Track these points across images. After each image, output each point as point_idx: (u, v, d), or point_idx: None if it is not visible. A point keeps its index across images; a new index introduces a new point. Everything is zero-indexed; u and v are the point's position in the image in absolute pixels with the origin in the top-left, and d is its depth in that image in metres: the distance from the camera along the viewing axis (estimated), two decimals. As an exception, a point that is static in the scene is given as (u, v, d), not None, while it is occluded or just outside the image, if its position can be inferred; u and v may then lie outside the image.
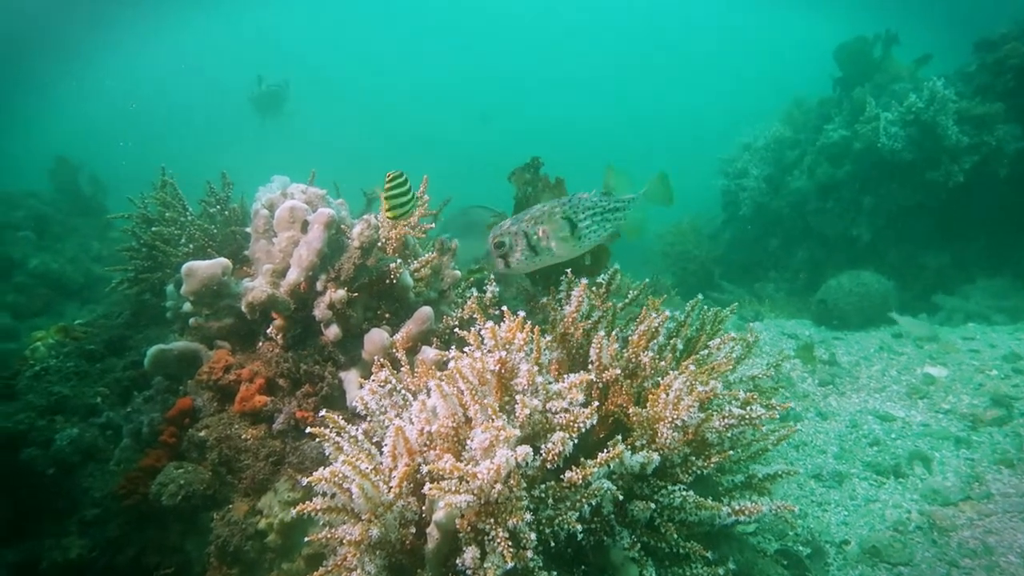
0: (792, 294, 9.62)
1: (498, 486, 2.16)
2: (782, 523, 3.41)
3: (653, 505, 2.53)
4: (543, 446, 2.29)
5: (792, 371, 5.09)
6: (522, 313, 2.60)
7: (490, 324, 2.48)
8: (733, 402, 2.72)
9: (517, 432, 2.21)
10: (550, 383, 2.51)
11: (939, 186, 8.36)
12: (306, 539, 2.57)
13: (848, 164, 9.40)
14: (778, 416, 2.62)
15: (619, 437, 2.57)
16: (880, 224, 9.10)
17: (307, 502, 2.22)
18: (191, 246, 4.29)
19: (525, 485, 2.24)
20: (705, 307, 3.13)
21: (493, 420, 2.24)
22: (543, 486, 2.33)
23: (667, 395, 2.60)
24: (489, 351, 2.51)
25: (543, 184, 4.08)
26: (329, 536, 2.27)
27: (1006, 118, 8.18)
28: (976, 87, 8.63)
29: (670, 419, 2.58)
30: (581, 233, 3.13)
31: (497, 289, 3.61)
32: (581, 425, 2.35)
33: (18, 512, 3.69)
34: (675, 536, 2.53)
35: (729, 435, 2.68)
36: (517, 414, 2.33)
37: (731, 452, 2.63)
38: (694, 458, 2.63)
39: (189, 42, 30.21)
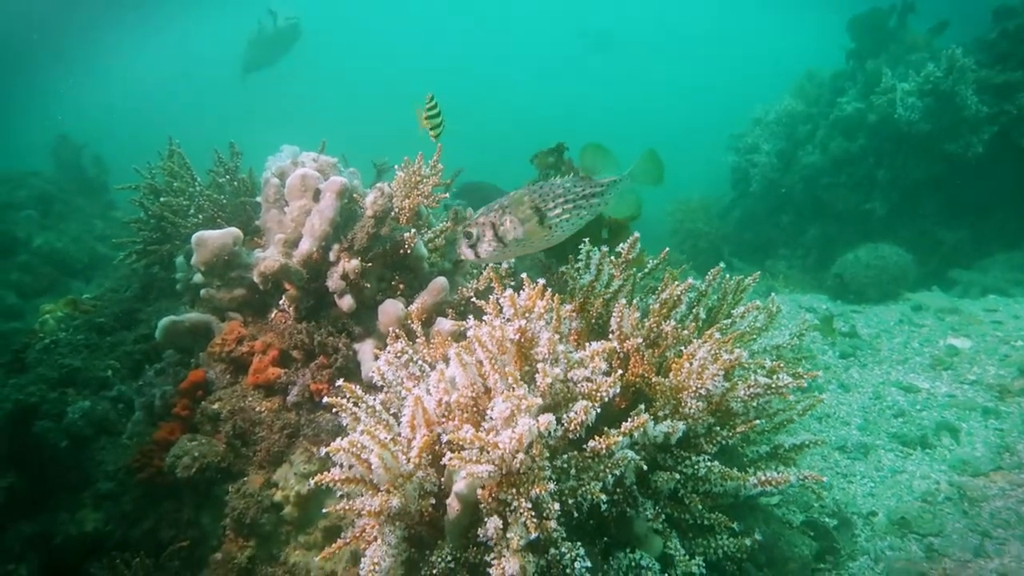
0: (805, 270, 9.49)
1: (520, 455, 2.10)
2: (807, 494, 3.36)
3: (677, 476, 2.47)
4: (565, 415, 2.24)
5: (812, 343, 5.01)
6: (542, 281, 2.53)
7: (509, 292, 2.42)
8: (759, 371, 2.66)
9: (539, 401, 2.15)
10: (571, 352, 2.45)
11: (957, 158, 8.22)
12: (324, 511, 2.53)
13: (862, 137, 9.25)
14: (805, 385, 2.55)
15: (642, 407, 2.51)
16: (895, 198, 8.97)
17: (325, 473, 2.16)
18: (200, 216, 4.23)
19: (547, 455, 2.19)
20: (726, 276, 3.06)
21: (514, 389, 2.18)
22: (565, 456, 2.28)
23: (691, 364, 2.53)
24: (508, 320, 2.44)
25: (566, 168, 4.01)
26: (347, 507, 2.21)
27: (1029, 86, 8.02)
28: (996, 55, 8.46)
29: (694, 388, 2.52)
30: (551, 222, 3.04)
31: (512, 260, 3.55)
32: (604, 394, 2.29)
33: (32, 485, 3.66)
34: (700, 507, 2.48)
35: (755, 404, 2.62)
36: (538, 383, 2.27)
37: (757, 422, 2.56)
38: (719, 428, 2.57)
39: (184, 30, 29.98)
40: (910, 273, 6.98)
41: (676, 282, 2.87)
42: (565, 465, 2.26)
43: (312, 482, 2.16)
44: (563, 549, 2.16)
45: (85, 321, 4.38)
